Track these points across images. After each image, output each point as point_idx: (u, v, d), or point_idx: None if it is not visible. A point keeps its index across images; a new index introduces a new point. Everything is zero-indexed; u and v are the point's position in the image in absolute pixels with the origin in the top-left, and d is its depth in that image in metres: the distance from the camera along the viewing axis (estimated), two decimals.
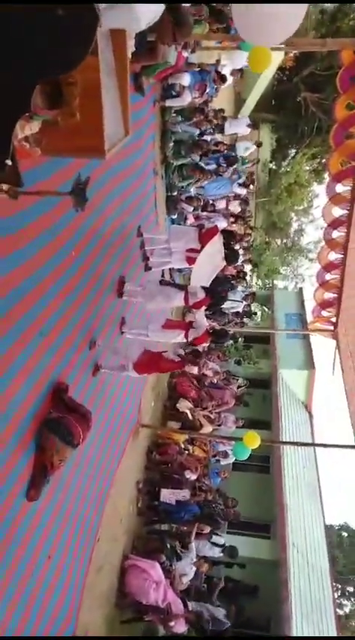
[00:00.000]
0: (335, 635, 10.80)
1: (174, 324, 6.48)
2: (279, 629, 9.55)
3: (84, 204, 2.39)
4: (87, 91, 2.18)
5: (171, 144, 8.29)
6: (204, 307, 6.25)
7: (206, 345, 8.57)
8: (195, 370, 8.86)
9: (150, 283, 6.55)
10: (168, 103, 7.88)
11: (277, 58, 16.50)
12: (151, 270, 7.19)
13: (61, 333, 4.20)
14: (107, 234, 5.43)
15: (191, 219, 9.84)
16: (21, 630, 3.61)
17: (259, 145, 12.40)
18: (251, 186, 12.19)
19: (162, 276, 7.89)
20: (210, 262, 6.45)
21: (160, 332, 6.17)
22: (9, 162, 1.43)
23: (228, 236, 7.54)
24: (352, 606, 26.34)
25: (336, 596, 16.72)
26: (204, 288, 6.18)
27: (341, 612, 23.93)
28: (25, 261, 3.42)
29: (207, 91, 8.60)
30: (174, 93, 7.76)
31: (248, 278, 15.02)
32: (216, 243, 6.50)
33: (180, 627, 6.22)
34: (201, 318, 6.15)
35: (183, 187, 9.03)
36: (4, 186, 1.80)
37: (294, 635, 9.09)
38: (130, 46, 3.85)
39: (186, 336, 6.10)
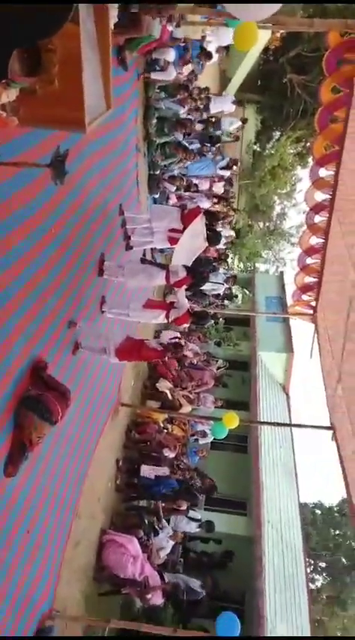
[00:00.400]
0: (306, 605, 11.23)
1: (155, 304, 6.48)
2: (253, 602, 9.87)
3: (63, 178, 2.35)
4: (67, 61, 2.12)
5: (154, 121, 8.16)
6: (184, 286, 6.26)
7: (186, 326, 8.61)
8: (175, 364, 8.95)
9: (131, 262, 6.51)
10: (153, 76, 7.72)
11: (263, 38, 16.27)
12: (133, 250, 7.14)
13: (40, 311, 4.17)
14: (88, 212, 5.35)
15: (173, 199, 9.76)
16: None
17: (244, 121, 12.27)
18: (234, 167, 12.11)
19: (144, 255, 7.85)
20: (191, 243, 6.45)
21: (141, 311, 6.16)
22: None
23: (211, 217, 7.53)
24: (323, 581, 27.35)
25: (309, 571, 17.35)
26: (185, 267, 6.18)
27: (313, 586, 24.85)
28: (2, 237, 3.36)
29: (192, 67, 8.46)
30: (157, 68, 7.62)
31: (229, 260, 15.05)
32: (199, 224, 6.50)
33: (157, 599, 6.38)
34: (182, 299, 6.16)
35: (165, 166, 8.93)
36: None
37: (268, 610, 9.41)
38: (113, 17, 3.77)
39: (167, 317, 6.10)
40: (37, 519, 4.36)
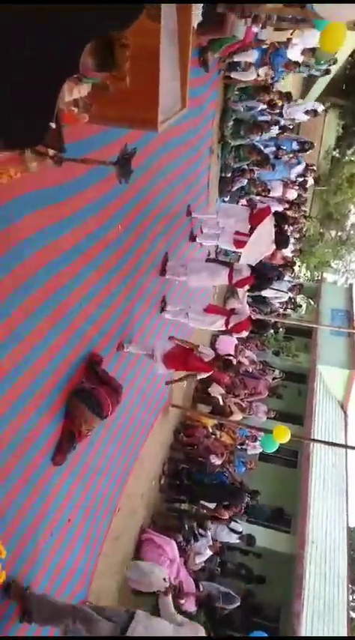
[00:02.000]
0: (344, 633, 10.70)
1: (216, 309, 6.38)
2: (288, 622, 9.53)
3: (129, 176, 2.34)
4: (145, 58, 2.10)
5: (231, 123, 8.06)
6: (247, 287, 6.10)
7: (245, 333, 8.40)
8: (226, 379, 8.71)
9: (195, 260, 6.46)
10: (234, 75, 7.63)
11: (352, 39, 15.62)
12: (196, 243, 7.12)
13: (99, 305, 4.23)
14: (155, 211, 5.37)
15: (243, 203, 9.61)
16: (35, 587, 3.76)
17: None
18: (312, 174, 11.72)
19: (209, 255, 7.80)
20: (259, 243, 6.29)
21: (201, 315, 6.06)
22: (53, 125, 1.39)
23: (281, 219, 7.28)
24: None
25: (351, 599, 16.53)
26: (250, 267, 6.03)
27: (354, 615, 23.65)
28: (70, 230, 3.43)
29: (273, 75, 8.26)
30: (239, 69, 7.52)
31: (296, 268, 14.61)
32: (268, 225, 6.33)
33: (190, 606, 6.32)
34: (243, 302, 6.04)
35: (238, 168, 8.80)
36: (50, 152, 1.78)
37: (303, 633, 9.06)
38: (196, 16, 3.73)
39: (227, 323, 5.96)
40: (79, 510, 4.43)
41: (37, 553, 3.71)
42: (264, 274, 6.58)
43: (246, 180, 9.03)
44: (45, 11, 0.98)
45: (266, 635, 4.57)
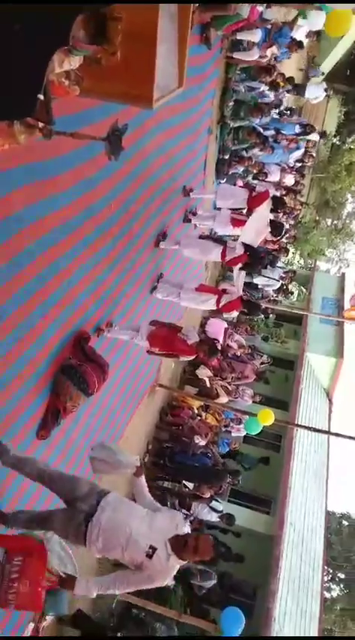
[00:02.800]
0: (317, 612, 11.05)
1: (207, 288, 6.42)
2: (264, 601, 9.82)
3: (119, 153, 2.31)
4: (142, 35, 2.06)
5: (231, 103, 7.94)
6: (239, 265, 6.12)
7: (235, 315, 8.42)
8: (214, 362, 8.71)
9: (189, 237, 6.48)
10: (236, 55, 7.49)
11: None
12: (194, 228, 7.10)
13: (89, 284, 4.21)
14: (149, 190, 5.32)
15: (240, 185, 9.53)
16: None
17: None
18: (312, 157, 11.58)
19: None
20: (257, 225, 6.32)
21: (192, 294, 6.10)
22: (41, 96, 1.36)
23: (278, 203, 7.23)
24: (340, 592, 26.78)
25: (326, 579, 17.05)
26: (244, 245, 6.05)
27: (328, 595, 24.42)
28: (59, 207, 3.40)
29: (277, 55, 8.11)
30: (241, 48, 7.37)
31: (290, 255, 14.59)
32: (265, 209, 6.36)
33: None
34: (239, 283, 6.08)
35: (236, 150, 8.70)
36: (40, 124, 1.75)
37: (276, 609, 9.34)
38: None
39: (218, 302, 6.01)
40: None
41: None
42: (256, 254, 6.59)
43: (243, 168, 8.96)
44: None
45: (239, 611, 4.70)
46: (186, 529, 3.08)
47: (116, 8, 1.44)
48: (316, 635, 10.69)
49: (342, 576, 26.60)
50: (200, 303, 6.27)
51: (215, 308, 6.20)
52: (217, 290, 6.32)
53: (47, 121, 1.65)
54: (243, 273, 6.35)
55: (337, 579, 26.80)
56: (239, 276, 6.24)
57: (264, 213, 6.42)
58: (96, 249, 4.19)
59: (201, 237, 6.67)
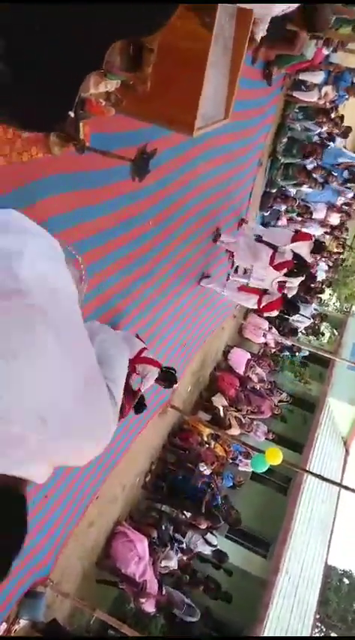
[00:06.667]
0: None
1: (248, 289, 6.65)
2: None
3: (144, 175, 2.35)
4: (192, 62, 2.11)
5: (285, 139, 8.00)
6: (284, 270, 6.12)
7: (275, 312, 7.84)
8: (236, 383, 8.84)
9: (246, 237, 6.58)
10: (296, 94, 7.58)
11: None
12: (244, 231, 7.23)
13: (117, 294, 4.27)
14: (191, 212, 5.38)
15: (283, 221, 9.53)
16: None
17: None
18: None
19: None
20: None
21: (236, 292, 6.57)
22: (71, 114, 1.42)
23: (318, 247, 7.16)
24: None
25: (316, 637, 16.17)
26: (293, 253, 6.18)
27: None
28: (93, 219, 3.47)
29: (335, 99, 8.15)
30: (303, 88, 7.45)
31: (325, 296, 14.35)
32: (303, 248, 6.53)
33: (149, 607, 6.32)
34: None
35: (283, 187, 8.73)
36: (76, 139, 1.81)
37: None
38: (261, 30, 3.72)
39: (259, 302, 6.40)
40: (58, 489, 4.49)
41: None
42: (305, 264, 6.54)
43: (285, 207, 8.98)
44: (82, 5, 1.01)
45: None
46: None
47: (150, 40, 1.50)
48: None
49: (334, 635, 25.26)
50: (243, 300, 6.76)
51: (256, 307, 6.65)
52: (258, 290, 6.58)
53: (73, 138, 1.71)
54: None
55: None
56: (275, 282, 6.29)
57: (301, 251, 6.44)
58: (133, 259, 4.27)
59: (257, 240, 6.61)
